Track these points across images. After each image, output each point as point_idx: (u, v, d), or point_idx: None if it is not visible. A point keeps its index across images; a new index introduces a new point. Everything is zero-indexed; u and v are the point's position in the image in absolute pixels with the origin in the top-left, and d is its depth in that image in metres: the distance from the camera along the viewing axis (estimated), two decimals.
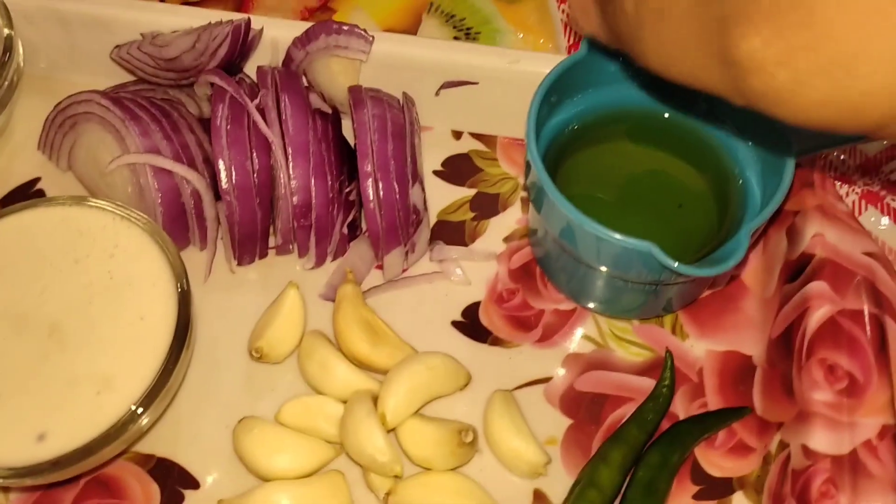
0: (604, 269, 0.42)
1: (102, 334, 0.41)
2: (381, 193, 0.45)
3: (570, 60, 0.43)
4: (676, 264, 0.37)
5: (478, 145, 0.53)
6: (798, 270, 0.45)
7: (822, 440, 0.40)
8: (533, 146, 0.40)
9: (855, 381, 0.41)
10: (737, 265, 0.38)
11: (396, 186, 0.45)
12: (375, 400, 0.43)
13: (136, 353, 0.40)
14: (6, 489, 0.42)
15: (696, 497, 0.43)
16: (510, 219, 0.51)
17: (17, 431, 0.39)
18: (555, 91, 0.43)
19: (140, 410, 0.39)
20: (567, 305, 0.48)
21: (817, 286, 0.43)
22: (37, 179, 0.52)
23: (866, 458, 0.39)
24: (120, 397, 0.40)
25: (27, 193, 0.51)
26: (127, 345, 0.41)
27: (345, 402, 0.44)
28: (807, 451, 0.40)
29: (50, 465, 0.38)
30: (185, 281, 0.42)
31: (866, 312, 0.42)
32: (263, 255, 0.49)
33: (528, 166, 0.42)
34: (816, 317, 0.43)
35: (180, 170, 0.46)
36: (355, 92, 0.47)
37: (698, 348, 0.47)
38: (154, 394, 0.40)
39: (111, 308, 0.41)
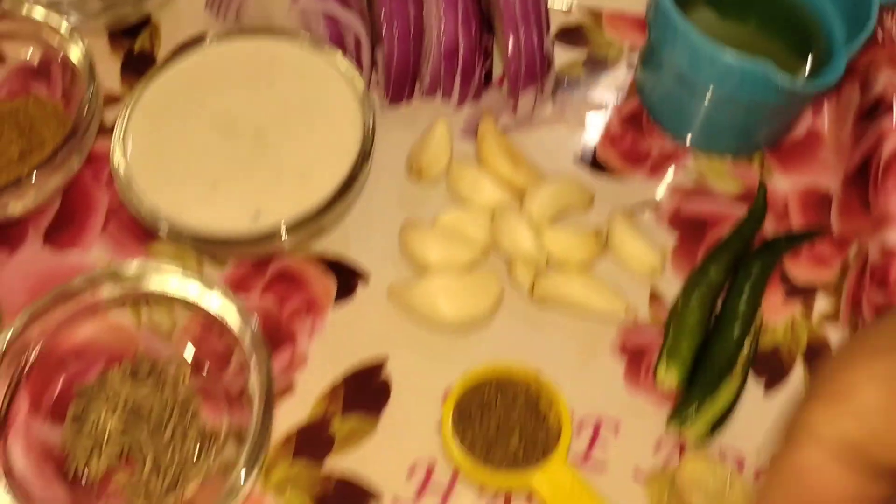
0: (718, 94, 0.50)
1: (298, 139, 0.48)
2: (523, 38, 0.52)
3: None
4: (788, 80, 0.45)
5: (587, 18, 0.61)
6: (871, 111, 0.53)
7: None
8: None
9: None
10: (834, 82, 0.46)
11: (536, 32, 0.53)
12: None
13: (328, 155, 0.48)
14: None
15: (786, 296, 0.51)
16: (618, 76, 0.59)
17: (238, 209, 0.46)
18: None
19: (334, 200, 0.47)
20: (671, 146, 0.56)
21: (890, 121, 0.51)
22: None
23: None
24: (317, 188, 0.47)
25: None
26: (320, 148, 0.48)
27: (491, 213, 0.51)
28: (884, 250, 0.48)
29: (259, 238, 0.46)
30: (367, 100, 0.49)
31: None
32: (411, 97, 0.56)
33: (654, 8, 0.49)
34: (891, 143, 0.51)
35: (348, 16, 0.53)
36: None
37: (783, 183, 0.55)
38: (346, 188, 0.47)
39: (304, 119, 0.49)
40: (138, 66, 0.59)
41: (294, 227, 0.46)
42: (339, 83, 0.50)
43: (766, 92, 0.48)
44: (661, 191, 0.54)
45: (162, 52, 0.60)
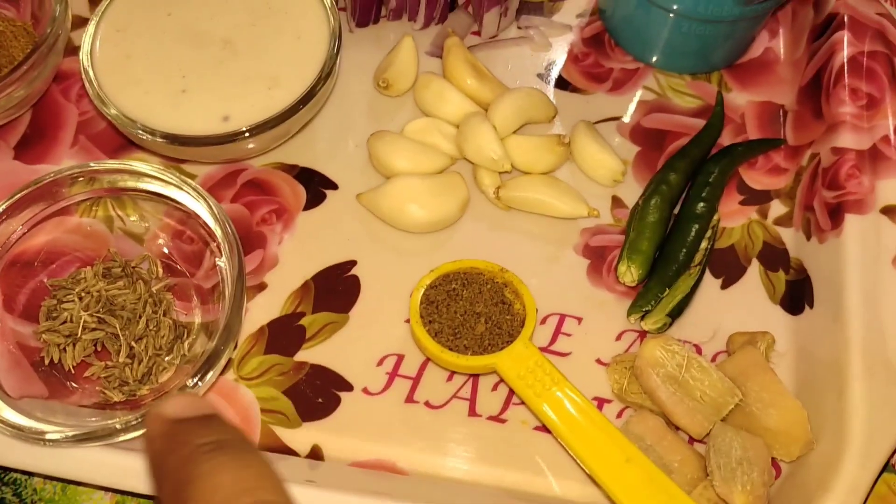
0: (677, 12, 0.51)
1: (266, 46, 0.49)
2: None
3: None
4: None
5: None
6: (824, 28, 0.55)
7: (847, 140, 0.50)
8: None
9: (873, 99, 0.51)
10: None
11: None
12: None
13: (297, 62, 0.49)
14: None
15: (741, 203, 0.53)
16: (581, 1, 0.60)
17: (207, 113, 0.47)
18: None
19: (301, 106, 0.48)
20: (632, 65, 0.58)
21: (840, 35, 0.53)
22: None
23: (884, 147, 0.49)
24: (286, 92, 0.48)
25: None
26: (288, 56, 0.49)
27: (456, 125, 0.53)
28: (835, 150, 0.50)
29: (231, 135, 0.47)
30: (334, 9, 0.50)
31: (881, 53, 0.52)
32: (377, 20, 0.58)
33: None
34: (840, 57, 0.53)
35: None
36: None
37: (740, 99, 0.57)
38: (312, 93, 0.48)
39: (271, 28, 0.50)
40: None
41: (260, 129, 0.47)
42: None
43: (723, 7, 0.50)
44: (622, 107, 0.56)
45: None
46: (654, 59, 0.57)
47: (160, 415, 0.28)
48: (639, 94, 0.57)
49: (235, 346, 0.46)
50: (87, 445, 0.40)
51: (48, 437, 0.40)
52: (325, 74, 0.48)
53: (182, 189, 0.46)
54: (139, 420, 0.40)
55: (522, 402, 0.46)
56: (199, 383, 0.41)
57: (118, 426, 0.40)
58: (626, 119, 0.56)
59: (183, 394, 0.29)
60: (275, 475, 0.25)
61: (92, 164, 0.47)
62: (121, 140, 0.53)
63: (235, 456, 0.26)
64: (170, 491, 0.26)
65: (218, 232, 0.45)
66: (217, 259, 0.46)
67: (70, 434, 0.40)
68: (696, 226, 0.50)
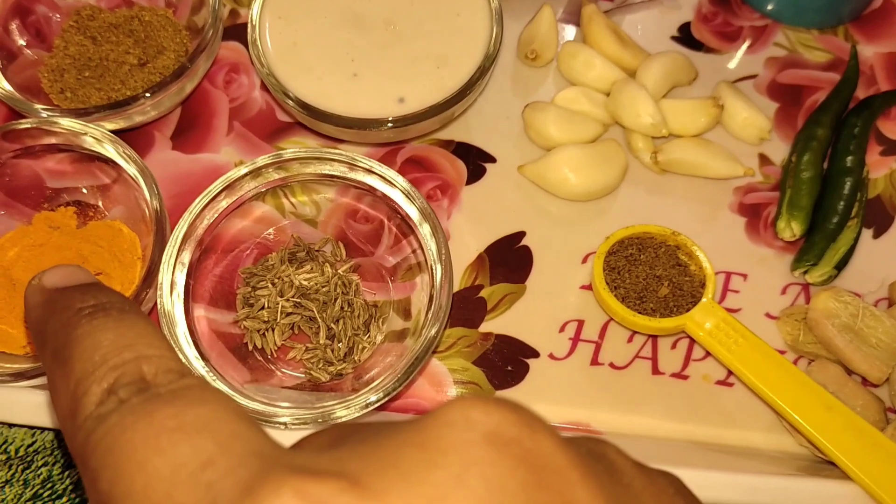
0: None
1: (428, 25, 0.50)
2: None
3: None
4: None
5: None
6: None
7: None
8: None
9: None
10: None
11: None
12: None
13: (460, 40, 0.50)
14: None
15: (881, 154, 0.55)
16: None
17: (384, 96, 0.48)
18: None
19: (473, 85, 0.49)
20: (760, 22, 0.59)
21: None
22: None
23: None
24: (455, 70, 0.49)
25: None
26: (451, 34, 0.50)
27: (604, 92, 0.54)
28: None
29: (412, 117, 0.48)
30: None
31: None
32: None
33: None
34: None
35: None
36: None
37: (867, 51, 0.58)
38: (483, 71, 0.49)
39: (430, 6, 0.51)
40: None
41: (437, 109, 0.48)
42: None
43: None
44: (756, 65, 0.57)
45: None
46: (784, 14, 0.58)
47: (40, 286, 0.27)
48: (770, 50, 0.58)
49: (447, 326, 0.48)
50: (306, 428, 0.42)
51: (280, 420, 0.42)
52: (493, 52, 0.49)
53: (361, 169, 0.47)
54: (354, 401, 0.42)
55: (702, 359, 0.48)
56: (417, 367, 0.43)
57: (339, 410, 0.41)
58: (762, 76, 0.57)
59: (62, 265, 0.28)
60: (158, 332, 0.25)
61: (264, 158, 0.47)
62: (275, 124, 0.54)
63: (117, 317, 0.25)
64: (50, 355, 0.25)
65: (413, 212, 0.46)
66: (405, 236, 0.47)
67: (299, 416, 0.42)
68: (850, 179, 0.52)
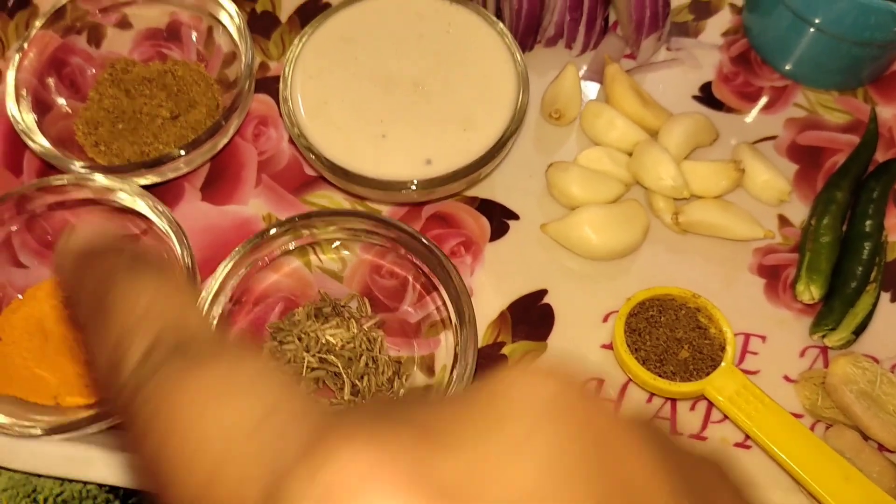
0: (831, 33, 0.53)
1: (456, 87, 0.51)
2: None
3: None
4: None
5: None
6: None
7: None
8: None
9: None
10: None
11: None
12: None
13: (487, 102, 0.51)
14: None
15: None
16: (723, 20, 0.62)
17: (411, 158, 0.49)
18: None
19: (501, 147, 0.50)
20: (780, 83, 0.60)
21: None
22: None
23: None
24: (481, 134, 0.50)
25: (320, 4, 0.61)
26: (478, 96, 0.51)
27: (626, 151, 0.55)
28: None
29: (438, 180, 0.49)
30: (514, 44, 0.52)
31: None
32: (532, 46, 0.59)
33: None
34: None
35: None
36: None
37: (886, 112, 0.59)
38: (510, 134, 0.50)
39: (458, 69, 0.52)
40: (263, 24, 0.61)
41: (464, 172, 0.49)
42: (485, 32, 0.53)
43: (886, 31, 0.51)
44: (775, 126, 0.58)
45: (283, 13, 0.62)
46: (804, 75, 0.59)
47: (69, 249, 0.27)
48: (790, 111, 0.59)
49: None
50: None
51: None
52: (519, 117, 0.50)
53: (383, 225, 0.48)
54: None
55: (720, 421, 0.49)
56: None
57: None
58: (781, 137, 0.58)
59: (85, 227, 0.27)
60: (195, 290, 0.24)
61: (290, 218, 0.48)
62: (303, 177, 0.55)
63: (156, 272, 0.24)
64: (88, 311, 0.24)
65: (436, 269, 0.47)
66: (428, 293, 0.48)
67: None
68: (868, 244, 0.52)
